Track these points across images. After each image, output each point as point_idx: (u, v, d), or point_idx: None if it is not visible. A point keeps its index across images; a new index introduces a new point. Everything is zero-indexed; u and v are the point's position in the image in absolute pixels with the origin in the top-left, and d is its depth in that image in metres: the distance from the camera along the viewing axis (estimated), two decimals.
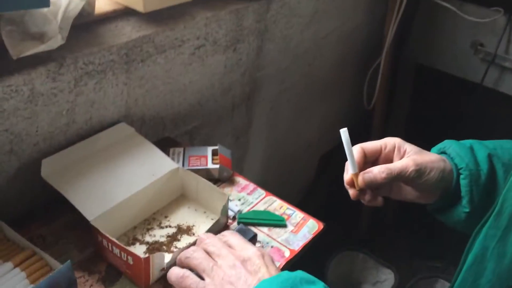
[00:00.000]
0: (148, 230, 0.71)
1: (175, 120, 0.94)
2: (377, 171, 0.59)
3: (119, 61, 0.75)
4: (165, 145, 0.85)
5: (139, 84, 0.81)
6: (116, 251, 0.61)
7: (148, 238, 0.69)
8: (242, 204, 0.77)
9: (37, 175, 0.66)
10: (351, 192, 0.62)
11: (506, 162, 0.62)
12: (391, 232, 1.68)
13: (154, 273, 0.61)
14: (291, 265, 0.70)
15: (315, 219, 0.76)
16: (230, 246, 0.55)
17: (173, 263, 0.64)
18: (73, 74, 0.69)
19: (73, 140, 0.73)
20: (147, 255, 0.66)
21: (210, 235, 0.57)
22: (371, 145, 0.63)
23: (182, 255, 0.56)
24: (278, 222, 0.74)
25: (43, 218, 0.70)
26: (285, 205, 0.78)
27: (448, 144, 0.64)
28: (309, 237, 0.73)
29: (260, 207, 0.77)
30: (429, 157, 0.61)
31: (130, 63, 0.77)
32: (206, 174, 0.80)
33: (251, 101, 1.16)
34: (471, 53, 1.49)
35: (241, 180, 0.82)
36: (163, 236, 0.70)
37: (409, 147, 0.62)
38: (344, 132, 0.59)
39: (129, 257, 0.60)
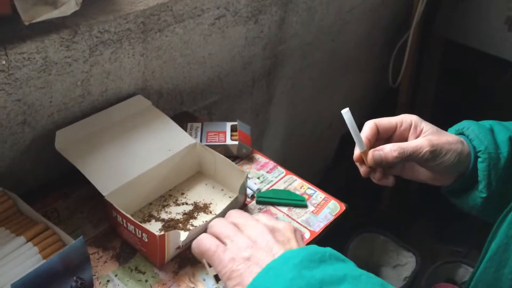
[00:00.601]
0: (164, 207, 0.68)
1: (193, 94, 0.91)
2: (389, 150, 0.56)
3: (135, 30, 0.72)
4: (183, 119, 0.82)
5: (157, 55, 0.78)
6: (131, 227, 0.59)
7: (163, 215, 0.67)
8: (261, 182, 0.74)
9: (51, 148, 0.64)
10: (361, 169, 0.59)
11: None
12: (412, 215, 1.64)
13: (170, 251, 0.59)
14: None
15: (337, 200, 0.73)
16: (258, 221, 0.52)
17: (189, 241, 0.62)
18: (87, 43, 0.66)
19: (88, 112, 0.71)
20: (162, 232, 0.63)
21: (238, 210, 0.55)
22: (386, 121, 0.59)
23: (208, 226, 0.53)
24: (299, 202, 0.71)
25: (58, 191, 0.69)
26: (306, 185, 0.75)
27: (467, 125, 0.60)
28: (330, 218, 0.70)
29: (280, 186, 0.74)
30: (446, 138, 0.57)
31: (147, 32, 0.73)
32: (224, 150, 0.77)
33: (272, 76, 1.11)
34: (505, 29, 1.41)
35: (260, 158, 0.79)
36: (179, 213, 0.67)
37: (426, 126, 0.58)
38: (346, 113, 0.55)
39: (144, 235, 0.58)
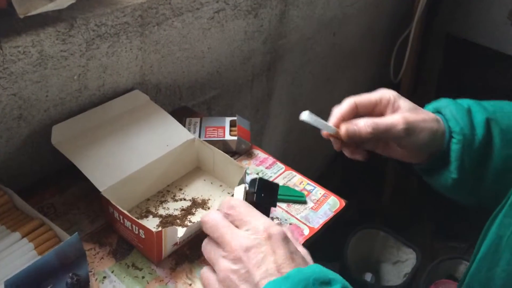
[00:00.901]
0: (161, 202, 0.68)
1: (192, 89, 0.90)
2: (363, 125, 0.55)
3: (133, 23, 0.71)
4: (182, 114, 0.81)
5: (155, 49, 0.77)
6: (128, 223, 0.59)
7: (161, 211, 0.66)
8: None
9: (48, 143, 0.64)
10: (335, 145, 0.58)
11: (504, 129, 0.56)
12: (413, 211, 1.63)
13: (167, 248, 0.58)
14: (310, 243, 0.66)
15: (336, 196, 0.72)
16: (234, 223, 0.44)
17: (186, 238, 0.61)
18: (84, 36, 0.65)
19: (85, 107, 0.70)
20: (159, 228, 0.63)
21: (211, 216, 0.44)
22: (365, 99, 0.58)
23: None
24: (298, 198, 0.70)
25: (55, 187, 0.68)
26: (305, 181, 0.74)
27: (444, 104, 0.58)
28: (330, 214, 0.69)
29: (279, 181, 0.73)
30: (422, 116, 0.56)
31: (145, 26, 0.73)
32: (223, 146, 0.76)
33: (272, 71, 1.10)
34: (508, 23, 1.39)
35: (259, 153, 0.78)
36: (177, 209, 0.67)
37: (403, 103, 0.57)
38: (306, 116, 0.54)
39: (140, 231, 0.57)
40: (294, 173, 0.75)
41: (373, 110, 0.59)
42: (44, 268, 0.51)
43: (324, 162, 1.62)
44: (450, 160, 0.56)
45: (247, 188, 0.48)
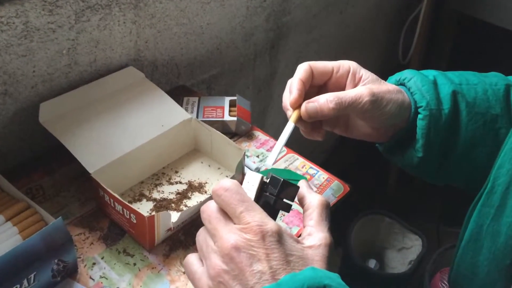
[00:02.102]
0: (156, 185, 0.64)
1: (191, 67, 0.86)
2: (324, 101, 0.50)
3: None
4: (179, 94, 0.77)
5: (150, 23, 0.72)
6: (119, 207, 0.55)
7: (155, 195, 0.63)
8: (261, 161, 0.70)
9: (36, 121, 0.60)
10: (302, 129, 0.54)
11: (470, 102, 0.52)
12: (418, 196, 1.60)
13: (160, 233, 0.55)
14: None
15: (340, 180, 0.68)
16: (226, 208, 0.40)
17: (180, 223, 0.58)
18: (73, 8, 0.61)
19: (75, 84, 0.67)
20: (153, 213, 0.60)
21: (208, 206, 0.41)
22: (321, 65, 0.54)
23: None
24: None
25: (44, 167, 0.65)
26: (308, 164, 0.70)
27: (409, 75, 0.54)
28: (333, 200, 0.65)
29: (281, 165, 0.69)
30: (387, 87, 0.51)
31: None
32: (222, 126, 0.72)
33: (275, 50, 1.06)
34: None
35: (260, 135, 0.74)
36: (172, 193, 0.63)
37: (365, 74, 0.53)
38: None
39: (132, 215, 0.54)
40: (296, 156, 0.71)
41: (330, 80, 0.54)
42: (29, 253, 0.48)
43: (330, 146, 1.58)
44: (415, 138, 0.52)
45: (266, 185, 0.42)
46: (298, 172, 0.68)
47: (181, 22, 0.77)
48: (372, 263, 1.26)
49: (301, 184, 0.45)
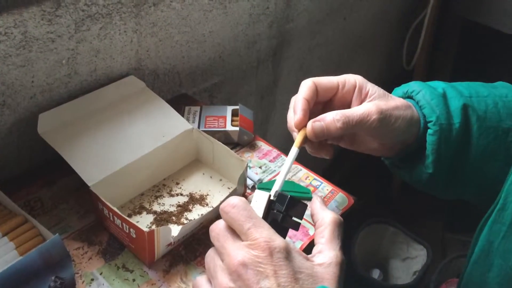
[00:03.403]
0: (156, 197, 0.63)
1: (193, 75, 0.84)
2: (331, 119, 0.48)
3: (127, 3, 0.65)
4: (181, 102, 0.76)
5: (151, 32, 0.71)
6: (118, 222, 0.54)
7: (156, 207, 0.62)
8: (263, 172, 0.69)
9: (35, 132, 0.59)
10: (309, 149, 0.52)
11: (481, 116, 0.50)
12: (422, 202, 1.58)
13: (160, 248, 0.54)
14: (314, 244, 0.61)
15: (345, 192, 0.67)
16: (233, 225, 0.39)
17: (181, 238, 0.56)
18: (73, 17, 0.60)
19: (75, 94, 0.65)
20: (153, 227, 0.58)
21: (216, 225, 0.40)
22: (326, 81, 0.51)
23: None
24: (303, 195, 0.65)
25: (42, 179, 0.63)
26: (312, 175, 0.69)
27: (416, 88, 0.52)
28: (337, 213, 0.64)
29: None
30: (395, 103, 0.50)
31: (140, 6, 0.67)
32: (224, 137, 0.71)
33: (278, 57, 1.04)
34: None
35: (263, 145, 0.73)
36: (173, 205, 0.62)
37: (372, 89, 0.51)
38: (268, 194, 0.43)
39: (131, 230, 0.53)
40: (300, 167, 0.70)
41: (335, 96, 0.52)
42: (26, 270, 0.47)
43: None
44: (424, 153, 0.51)
45: (273, 203, 0.41)
46: (302, 184, 0.67)
47: (183, 30, 0.76)
48: (375, 273, 1.24)
49: (314, 200, 0.45)
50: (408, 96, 0.53)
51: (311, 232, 0.61)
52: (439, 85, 0.53)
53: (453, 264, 1.13)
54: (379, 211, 1.47)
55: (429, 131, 0.50)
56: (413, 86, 0.53)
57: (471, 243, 0.50)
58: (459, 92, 0.52)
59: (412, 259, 1.23)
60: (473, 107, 0.51)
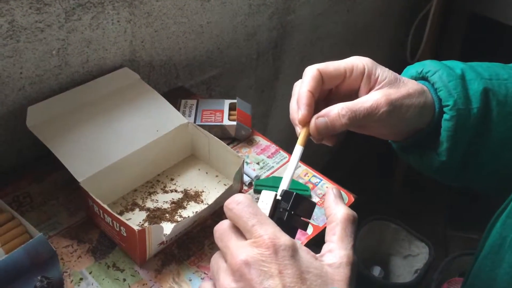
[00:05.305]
0: (150, 194, 0.61)
1: (190, 67, 0.82)
2: (336, 114, 0.44)
3: None
4: (178, 95, 0.74)
5: (146, 22, 0.69)
6: (108, 219, 0.52)
7: (149, 204, 0.60)
8: (261, 168, 0.66)
9: (24, 125, 0.57)
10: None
11: (502, 100, 0.46)
12: (425, 201, 1.56)
13: (152, 247, 0.52)
14: (313, 243, 0.59)
15: (345, 190, 0.64)
16: (237, 223, 0.38)
17: (174, 236, 0.54)
18: (62, 6, 0.57)
19: (66, 86, 0.63)
20: (145, 224, 0.56)
21: (220, 225, 0.38)
22: (332, 68, 0.47)
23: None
24: (302, 192, 0.63)
25: (32, 174, 0.61)
26: (311, 172, 0.66)
27: (432, 68, 0.47)
28: None
29: (282, 173, 0.66)
30: (407, 90, 0.45)
31: None
32: (221, 131, 0.69)
33: (279, 49, 1.02)
34: None
35: (261, 140, 0.71)
36: (166, 202, 0.60)
37: (382, 74, 0.46)
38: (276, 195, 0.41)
39: (122, 228, 0.51)
40: (299, 163, 0.68)
41: (342, 83, 0.48)
42: (13, 268, 0.46)
43: (332, 149, 1.54)
44: (438, 139, 0.47)
45: (279, 202, 0.39)
46: (300, 181, 0.65)
47: (180, 20, 0.74)
48: (376, 271, 1.22)
49: (329, 192, 0.41)
50: (422, 77, 0.49)
51: (309, 231, 0.59)
52: (457, 65, 0.48)
53: (456, 263, 1.11)
54: (380, 208, 1.45)
55: (445, 116, 0.46)
56: (429, 65, 0.48)
57: (482, 238, 0.47)
58: (478, 74, 0.47)
59: (413, 257, 1.20)
60: (493, 91, 0.46)
